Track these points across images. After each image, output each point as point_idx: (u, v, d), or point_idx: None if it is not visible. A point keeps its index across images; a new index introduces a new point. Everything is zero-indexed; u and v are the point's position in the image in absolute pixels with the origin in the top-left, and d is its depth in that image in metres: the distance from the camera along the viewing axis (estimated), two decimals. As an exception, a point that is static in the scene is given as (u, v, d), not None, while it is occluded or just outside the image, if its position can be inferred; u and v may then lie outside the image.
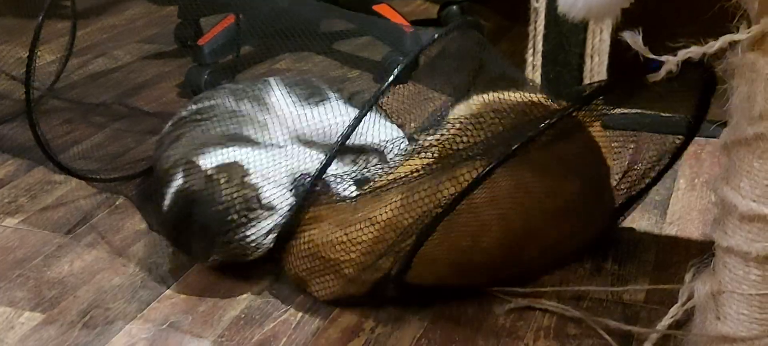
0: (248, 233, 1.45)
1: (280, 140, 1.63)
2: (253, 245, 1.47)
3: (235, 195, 1.45)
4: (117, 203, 1.79)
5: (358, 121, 1.43)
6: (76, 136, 2.01)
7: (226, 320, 1.43)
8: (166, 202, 1.54)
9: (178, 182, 1.53)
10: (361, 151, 1.73)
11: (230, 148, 1.53)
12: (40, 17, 1.68)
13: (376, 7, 2.44)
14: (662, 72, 1.14)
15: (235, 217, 1.45)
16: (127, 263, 1.59)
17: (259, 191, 1.47)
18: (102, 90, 2.27)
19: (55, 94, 2.20)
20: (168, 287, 1.52)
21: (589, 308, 1.41)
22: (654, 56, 1.12)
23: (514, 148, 1.22)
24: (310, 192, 1.44)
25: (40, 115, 2.01)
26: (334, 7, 2.28)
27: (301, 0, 2.07)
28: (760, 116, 1.04)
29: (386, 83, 1.46)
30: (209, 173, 1.48)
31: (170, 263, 1.58)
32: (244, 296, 1.49)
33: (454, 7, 2.71)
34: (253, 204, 1.46)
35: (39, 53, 1.72)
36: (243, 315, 1.44)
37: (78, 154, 1.91)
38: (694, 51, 1.09)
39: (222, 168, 1.49)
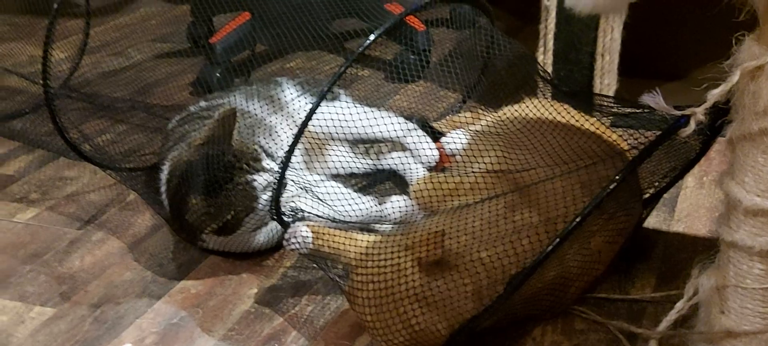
0: (254, 178, 1.49)
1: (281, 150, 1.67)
2: (255, 193, 1.50)
3: (245, 146, 1.52)
4: (128, 199, 1.80)
5: (321, 97, 1.37)
6: (89, 132, 2.02)
7: (236, 315, 1.44)
8: (165, 171, 1.59)
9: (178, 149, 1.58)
10: (374, 141, 1.75)
11: None
12: (55, 6, 1.70)
13: (387, 6, 2.44)
14: (692, 125, 1.14)
15: (245, 166, 1.49)
16: (138, 258, 1.61)
17: (262, 151, 1.54)
18: (115, 88, 2.28)
19: (68, 92, 2.22)
20: (178, 282, 1.53)
21: (597, 303, 1.42)
22: (679, 112, 1.14)
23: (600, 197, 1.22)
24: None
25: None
26: (346, 5, 2.28)
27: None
28: (764, 111, 1.05)
29: (358, 51, 1.39)
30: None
31: (180, 258, 1.60)
32: (254, 291, 1.50)
33: (466, 6, 2.70)
34: (258, 155, 1.52)
35: (51, 52, 1.73)
36: (253, 310, 1.45)
37: (90, 151, 1.92)
38: (718, 93, 1.09)
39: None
